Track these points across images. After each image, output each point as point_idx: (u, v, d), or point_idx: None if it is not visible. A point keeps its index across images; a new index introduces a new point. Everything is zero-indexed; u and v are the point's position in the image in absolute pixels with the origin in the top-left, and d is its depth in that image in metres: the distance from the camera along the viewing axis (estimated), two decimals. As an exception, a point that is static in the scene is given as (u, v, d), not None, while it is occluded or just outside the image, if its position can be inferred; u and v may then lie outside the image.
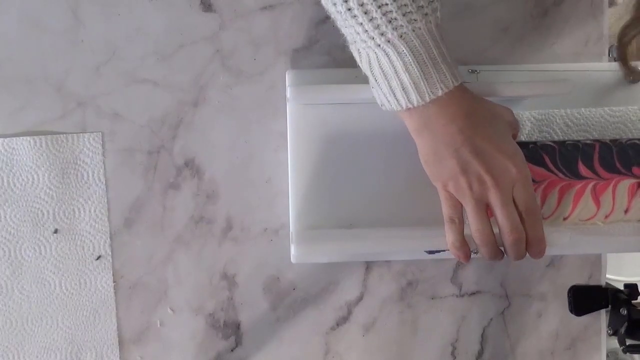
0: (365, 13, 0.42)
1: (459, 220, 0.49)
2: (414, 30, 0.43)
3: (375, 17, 0.42)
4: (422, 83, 0.44)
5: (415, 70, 0.44)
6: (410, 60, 0.43)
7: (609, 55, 0.61)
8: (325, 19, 0.60)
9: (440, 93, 0.44)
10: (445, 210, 0.49)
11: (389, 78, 0.45)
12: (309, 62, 0.60)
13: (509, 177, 0.47)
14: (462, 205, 0.49)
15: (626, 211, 0.57)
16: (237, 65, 0.60)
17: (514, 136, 0.51)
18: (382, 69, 0.45)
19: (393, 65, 0.44)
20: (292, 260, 0.55)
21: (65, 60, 0.58)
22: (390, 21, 0.42)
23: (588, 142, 0.56)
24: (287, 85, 0.57)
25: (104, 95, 0.59)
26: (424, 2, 0.43)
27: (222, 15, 0.59)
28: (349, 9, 0.42)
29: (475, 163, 0.46)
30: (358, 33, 0.43)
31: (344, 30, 0.45)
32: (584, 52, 0.61)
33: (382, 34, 0.43)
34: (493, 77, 0.59)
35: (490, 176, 0.46)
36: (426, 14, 0.43)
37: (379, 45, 0.43)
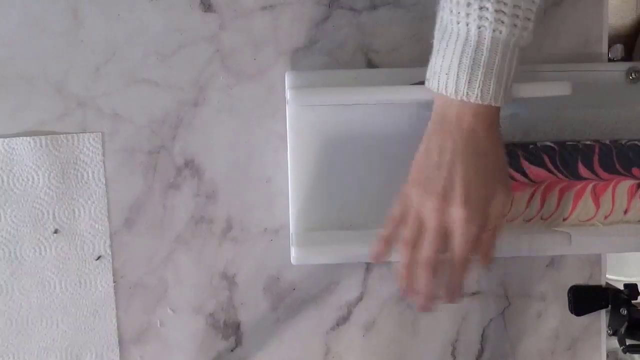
0: None
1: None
2: (493, 31, 0.41)
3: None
4: (463, 80, 0.43)
5: (466, 64, 0.43)
6: (469, 53, 0.42)
7: (609, 55, 0.61)
8: (325, 19, 0.60)
9: (472, 100, 0.43)
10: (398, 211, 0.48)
11: (446, 55, 0.44)
12: (309, 62, 0.60)
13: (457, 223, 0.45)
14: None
15: (625, 212, 0.57)
16: (237, 65, 0.59)
17: (500, 214, 0.47)
18: (446, 42, 0.43)
19: (454, 45, 0.43)
20: (293, 262, 0.55)
21: (65, 60, 0.58)
22: (481, 8, 0.41)
23: (588, 142, 0.56)
24: (286, 87, 0.57)
25: (104, 95, 0.59)
26: (522, 13, 0.41)
27: (222, 15, 0.59)
28: None
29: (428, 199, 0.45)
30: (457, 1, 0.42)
31: None
32: (584, 52, 0.61)
33: (467, 15, 0.42)
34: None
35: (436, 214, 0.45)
36: (515, 25, 0.41)
37: (458, 22, 0.42)
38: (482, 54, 0.42)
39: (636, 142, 0.57)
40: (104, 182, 0.59)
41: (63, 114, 0.59)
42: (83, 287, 0.60)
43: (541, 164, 0.56)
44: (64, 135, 0.59)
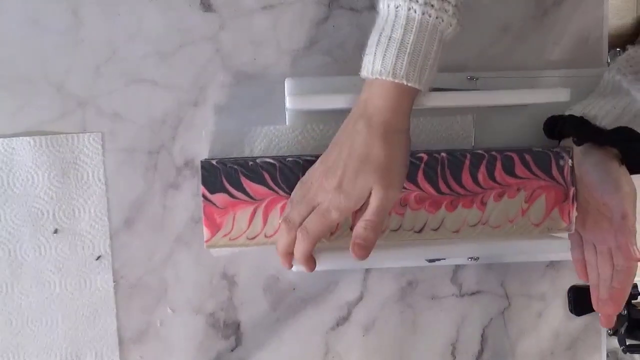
0: None
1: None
2: (408, 9, 0.42)
3: None
4: (379, 57, 0.43)
5: (383, 42, 0.43)
6: (387, 30, 0.43)
7: (608, 60, 0.61)
8: (325, 19, 0.60)
9: (384, 76, 0.43)
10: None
11: (372, 35, 0.45)
12: (309, 61, 0.60)
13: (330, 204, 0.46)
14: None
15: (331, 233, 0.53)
16: (237, 65, 0.59)
17: (376, 209, 0.46)
18: (376, 23, 0.45)
19: (376, 24, 0.44)
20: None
21: (65, 60, 0.58)
22: None
23: (308, 158, 0.53)
24: (285, 94, 0.56)
25: (104, 95, 0.59)
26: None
27: (222, 15, 0.59)
28: None
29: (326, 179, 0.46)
30: None
31: None
32: (584, 53, 0.61)
33: None
34: (492, 84, 0.58)
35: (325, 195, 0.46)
36: (431, 6, 0.42)
37: (382, 3, 0.44)
38: (397, 32, 0.42)
39: None
40: (104, 182, 0.59)
41: (63, 114, 0.59)
42: (83, 287, 0.60)
43: (261, 181, 0.53)
44: (64, 135, 0.59)
